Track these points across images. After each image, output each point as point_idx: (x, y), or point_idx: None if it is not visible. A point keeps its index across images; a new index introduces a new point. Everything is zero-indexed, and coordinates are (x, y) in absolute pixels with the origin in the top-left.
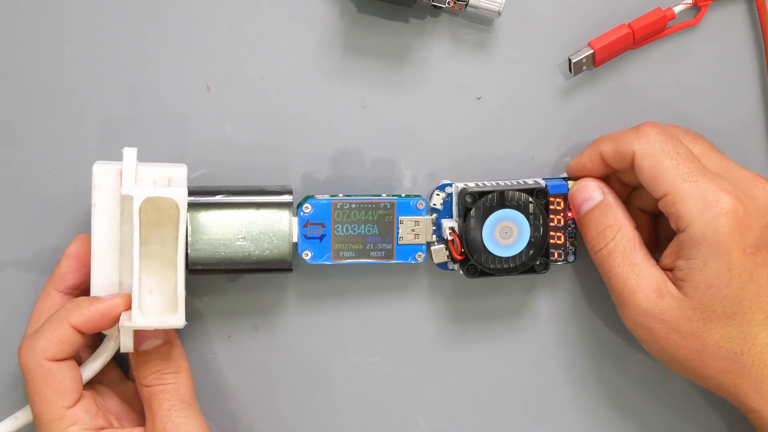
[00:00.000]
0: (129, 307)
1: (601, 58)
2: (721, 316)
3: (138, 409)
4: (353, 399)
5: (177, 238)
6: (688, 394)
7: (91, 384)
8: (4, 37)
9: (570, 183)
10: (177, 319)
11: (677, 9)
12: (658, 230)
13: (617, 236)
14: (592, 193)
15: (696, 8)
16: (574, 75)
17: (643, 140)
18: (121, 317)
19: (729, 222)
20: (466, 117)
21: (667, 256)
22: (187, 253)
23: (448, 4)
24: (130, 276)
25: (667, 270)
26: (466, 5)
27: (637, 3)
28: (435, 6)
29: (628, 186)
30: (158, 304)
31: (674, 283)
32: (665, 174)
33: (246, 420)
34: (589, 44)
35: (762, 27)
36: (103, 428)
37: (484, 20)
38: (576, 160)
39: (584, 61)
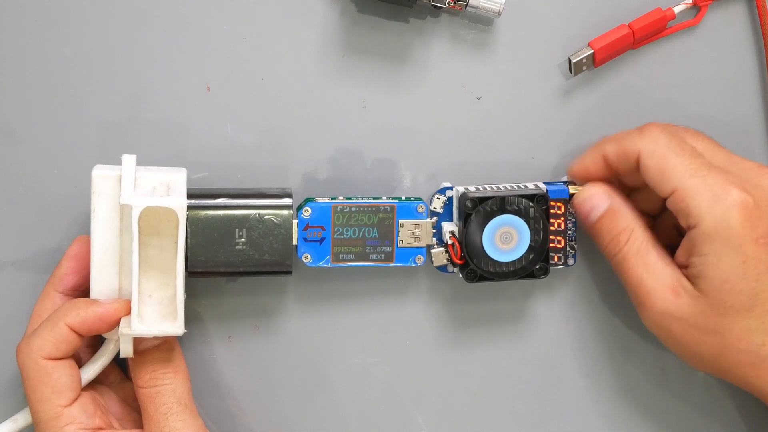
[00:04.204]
0: (128, 313)
1: (601, 58)
2: (739, 310)
3: (139, 409)
4: (353, 399)
5: (176, 244)
6: (690, 398)
7: (92, 384)
8: (4, 37)
9: (571, 188)
10: (176, 327)
11: (677, 9)
12: (657, 232)
13: (630, 239)
14: (598, 201)
15: (696, 8)
16: (574, 75)
17: (647, 139)
18: (120, 323)
19: (740, 214)
20: (466, 117)
21: (680, 254)
22: (186, 256)
23: (448, 4)
24: (130, 282)
25: (683, 267)
26: (466, 5)
27: (637, 3)
28: (435, 6)
29: (627, 188)
30: (157, 311)
31: (690, 281)
32: (672, 171)
33: (246, 420)
34: (589, 44)
35: (762, 27)
36: (101, 428)
37: (484, 20)
38: (578, 163)
39: (584, 61)
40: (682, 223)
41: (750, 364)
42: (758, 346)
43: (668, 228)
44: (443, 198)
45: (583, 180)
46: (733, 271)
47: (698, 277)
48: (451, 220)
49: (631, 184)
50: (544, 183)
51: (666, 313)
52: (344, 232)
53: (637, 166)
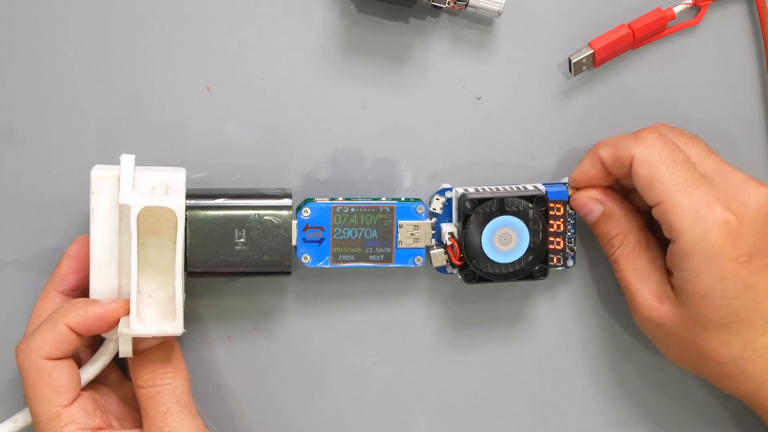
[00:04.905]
0: (127, 313)
1: (601, 58)
2: (717, 325)
3: (139, 409)
4: (353, 399)
5: (175, 243)
6: (689, 398)
7: (92, 384)
8: (4, 37)
9: (570, 190)
10: (175, 327)
11: (677, 9)
12: (655, 230)
13: (623, 243)
14: (591, 207)
15: (696, 8)
16: (574, 75)
17: (641, 146)
18: (119, 323)
19: (720, 234)
20: (466, 117)
21: (668, 261)
22: (186, 257)
23: (448, 4)
24: (129, 281)
25: (670, 274)
26: (466, 5)
27: (637, 3)
28: (435, 6)
29: (626, 188)
30: (156, 311)
31: (673, 290)
32: (660, 182)
33: (246, 420)
34: (589, 44)
35: (762, 27)
36: (100, 428)
37: (484, 20)
38: (579, 168)
39: (584, 61)
40: (666, 235)
41: (729, 375)
42: (737, 360)
43: None
44: (443, 199)
45: (585, 185)
46: (711, 288)
47: (679, 289)
48: (450, 221)
49: (630, 186)
50: (543, 184)
51: (649, 318)
52: (344, 232)
53: (630, 171)
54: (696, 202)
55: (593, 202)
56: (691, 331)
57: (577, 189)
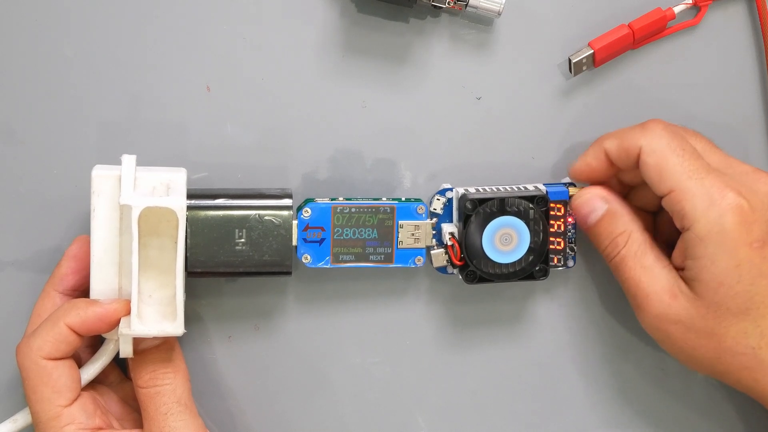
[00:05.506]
0: (128, 313)
1: (601, 58)
2: (735, 313)
3: (139, 409)
4: (353, 399)
5: (176, 244)
6: (689, 398)
7: (92, 384)
8: (4, 37)
9: (571, 190)
10: (176, 327)
11: (677, 9)
12: (657, 229)
13: (628, 242)
14: (595, 205)
15: (696, 8)
16: (574, 75)
17: (649, 136)
18: (120, 323)
19: (734, 218)
20: (466, 117)
21: (677, 256)
22: (186, 257)
23: (448, 4)
24: (130, 282)
25: (679, 269)
26: (466, 5)
27: (637, 3)
28: (435, 6)
29: (627, 186)
30: (157, 311)
31: (686, 283)
32: (671, 171)
33: (246, 420)
34: (589, 44)
35: (762, 27)
36: (100, 428)
37: (484, 20)
38: (581, 160)
39: (584, 61)
40: (677, 224)
41: (746, 367)
42: (754, 350)
43: (668, 225)
44: (443, 199)
45: (586, 178)
46: (727, 275)
47: (694, 279)
48: (450, 221)
49: (631, 181)
50: (544, 185)
51: (663, 316)
52: (344, 233)
53: (637, 163)
54: (708, 188)
55: (597, 200)
56: (709, 323)
57: (574, 185)
